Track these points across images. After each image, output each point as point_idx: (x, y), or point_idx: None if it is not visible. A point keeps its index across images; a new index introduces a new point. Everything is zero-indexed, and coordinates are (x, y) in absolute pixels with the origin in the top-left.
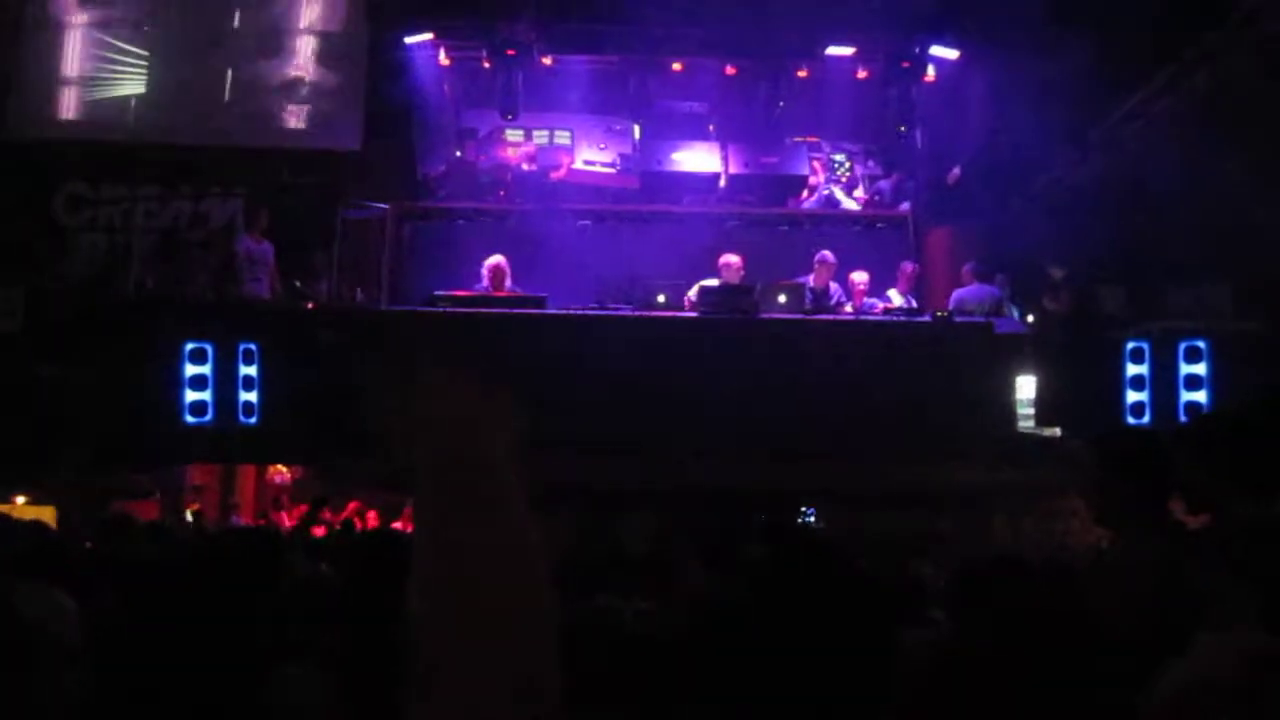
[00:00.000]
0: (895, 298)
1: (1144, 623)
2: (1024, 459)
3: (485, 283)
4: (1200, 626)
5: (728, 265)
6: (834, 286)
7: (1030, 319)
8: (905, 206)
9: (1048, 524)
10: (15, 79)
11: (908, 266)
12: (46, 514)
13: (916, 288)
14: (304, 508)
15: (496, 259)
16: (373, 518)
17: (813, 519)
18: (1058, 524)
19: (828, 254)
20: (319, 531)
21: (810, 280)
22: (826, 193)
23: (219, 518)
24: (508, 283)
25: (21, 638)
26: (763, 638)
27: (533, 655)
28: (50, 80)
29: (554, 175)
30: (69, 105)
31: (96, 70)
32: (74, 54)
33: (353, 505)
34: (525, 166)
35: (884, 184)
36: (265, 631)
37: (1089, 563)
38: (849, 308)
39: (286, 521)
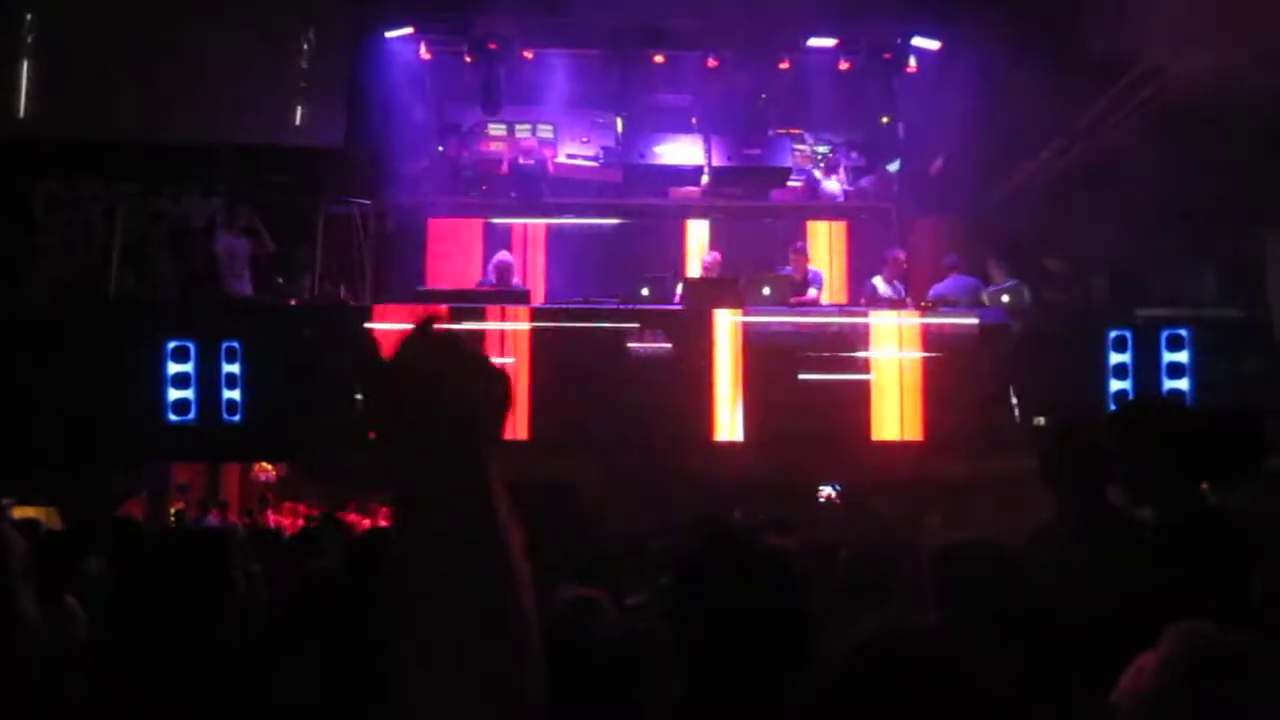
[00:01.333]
0: (880, 286)
1: (1075, 602)
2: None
3: (492, 278)
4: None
5: (704, 264)
6: (812, 273)
7: (1006, 299)
8: (888, 197)
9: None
10: None
11: (898, 254)
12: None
13: (904, 276)
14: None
15: (503, 255)
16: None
17: (834, 493)
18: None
19: (803, 244)
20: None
21: (790, 270)
22: (802, 181)
23: (197, 516)
24: (514, 279)
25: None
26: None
27: (511, 653)
28: (25, 77)
29: (536, 169)
30: (46, 103)
31: (73, 67)
32: (49, 51)
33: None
34: (522, 160)
35: (865, 180)
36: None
37: (1027, 541)
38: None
39: (273, 519)
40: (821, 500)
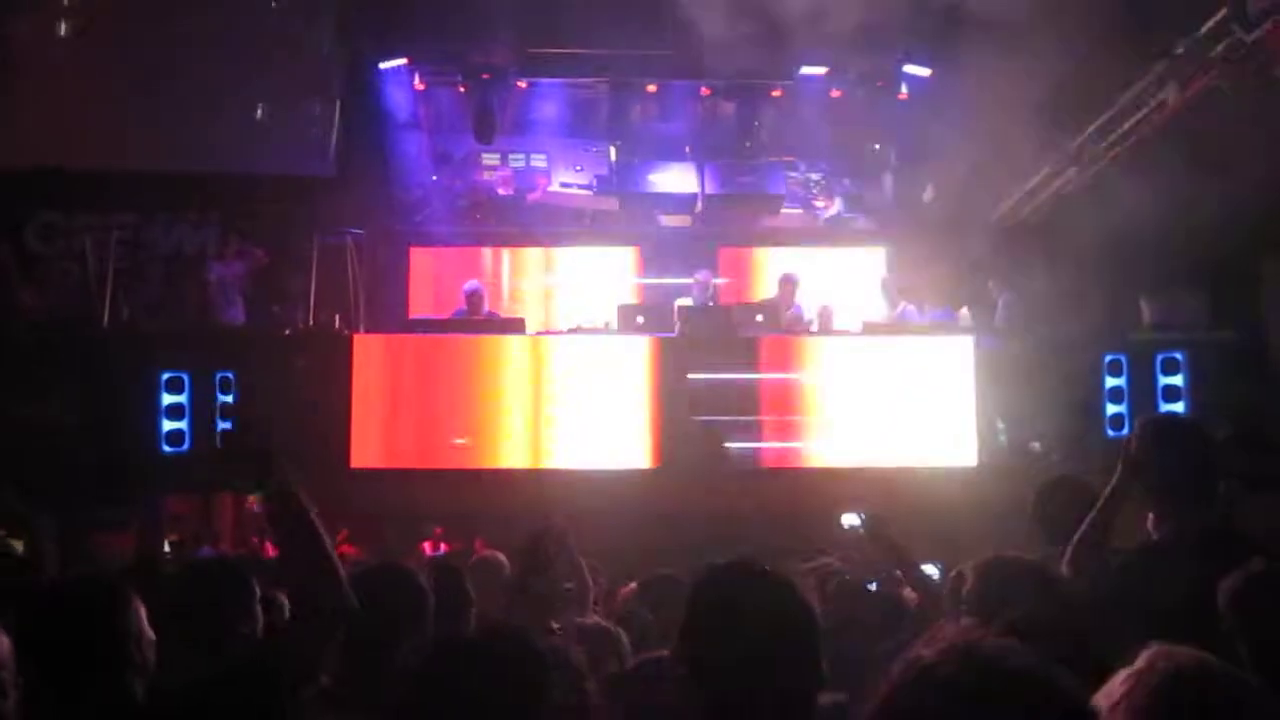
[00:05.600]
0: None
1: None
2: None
3: (463, 306)
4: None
5: (698, 282)
6: (799, 303)
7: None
8: (879, 224)
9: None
10: None
11: (885, 278)
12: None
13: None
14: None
15: (473, 283)
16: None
17: (859, 521)
18: None
19: (792, 273)
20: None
21: (777, 299)
22: (822, 205)
23: (193, 547)
24: (485, 306)
25: None
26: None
27: None
28: (20, 109)
29: (530, 198)
30: (40, 134)
31: (68, 98)
32: (45, 84)
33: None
34: (501, 190)
35: (853, 214)
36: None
37: None
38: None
39: (269, 550)
40: (845, 529)
